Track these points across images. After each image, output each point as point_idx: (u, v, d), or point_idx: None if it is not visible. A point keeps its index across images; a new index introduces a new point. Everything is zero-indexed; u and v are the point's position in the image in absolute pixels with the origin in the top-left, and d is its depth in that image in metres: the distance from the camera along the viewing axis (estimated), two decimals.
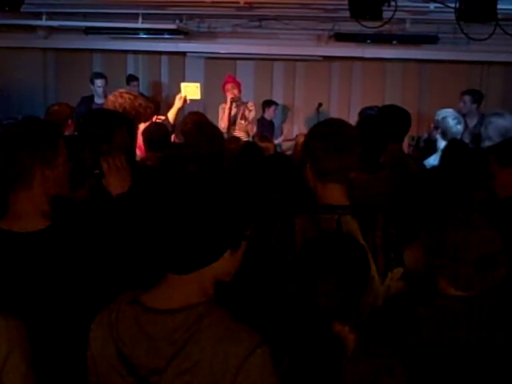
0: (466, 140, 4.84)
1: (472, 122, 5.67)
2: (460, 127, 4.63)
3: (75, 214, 1.99)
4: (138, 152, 3.98)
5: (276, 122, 8.02)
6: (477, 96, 6.06)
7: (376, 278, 1.98)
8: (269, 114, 7.70)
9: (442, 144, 4.47)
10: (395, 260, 2.05)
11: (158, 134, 4.07)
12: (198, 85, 5.04)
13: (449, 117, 4.63)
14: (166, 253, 1.37)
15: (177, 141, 4.37)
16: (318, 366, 1.50)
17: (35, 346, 1.77)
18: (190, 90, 4.94)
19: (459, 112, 5.24)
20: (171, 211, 1.36)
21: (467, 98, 5.97)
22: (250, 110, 6.61)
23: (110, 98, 3.44)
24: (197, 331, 1.33)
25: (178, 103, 4.78)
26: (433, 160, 4.35)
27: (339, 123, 2.23)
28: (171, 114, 4.68)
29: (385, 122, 3.35)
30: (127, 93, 3.49)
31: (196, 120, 4.22)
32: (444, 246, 1.66)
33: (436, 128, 4.70)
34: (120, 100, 3.36)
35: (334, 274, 1.60)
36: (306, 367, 1.52)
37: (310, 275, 1.61)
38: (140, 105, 3.43)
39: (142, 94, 5.75)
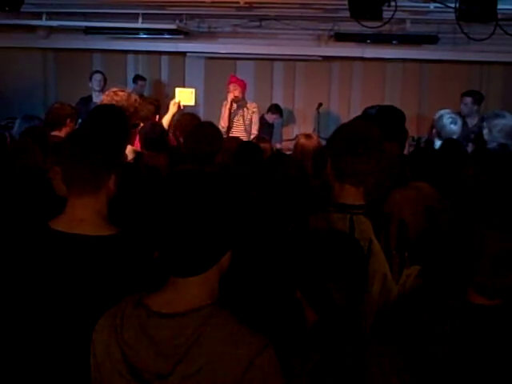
0: (464, 140, 4.84)
1: (472, 123, 5.65)
2: (455, 127, 4.62)
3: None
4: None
5: (276, 124, 8.00)
6: (477, 97, 6.04)
7: (389, 277, 1.98)
8: (270, 117, 7.68)
9: (438, 143, 4.48)
10: (410, 258, 2.05)
11: (152, 133, 4.05)
12: (193, 90, 5.00)
13: (444, 116, 4.64)
14: (176, 257, 1.37)
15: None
16: (346, 361, 1.53)
17: (37, 344, 1.77)
18: (185, 96, 4.90)
19: (459, 113, 5.24)
20: (178, 215, 1.35)
21: (468, 99, 5.93)
22: (253, 112, 6.54)
23: (105, 97, 3.44)
24: (202, 334, 1.32)
25: (172, 109, 4.75)
26: None
27: (364, 126, 2.18)
28: (166, 120, 4.65)
29: (378, 121, 3.35)
30: (121, 90, 3.50)
31: (191, 120, 4.21)
32: (466, 247, 1.58)
33: (432, 128, 4.71)
34: (116, 98, 3.37)
35: (339, 272, 1.61)
36: (335, 363, 1.53)
37: (317, 277, 1.62)
38: (136, 101, 3.46)
39: (141, 96, 5.74)
